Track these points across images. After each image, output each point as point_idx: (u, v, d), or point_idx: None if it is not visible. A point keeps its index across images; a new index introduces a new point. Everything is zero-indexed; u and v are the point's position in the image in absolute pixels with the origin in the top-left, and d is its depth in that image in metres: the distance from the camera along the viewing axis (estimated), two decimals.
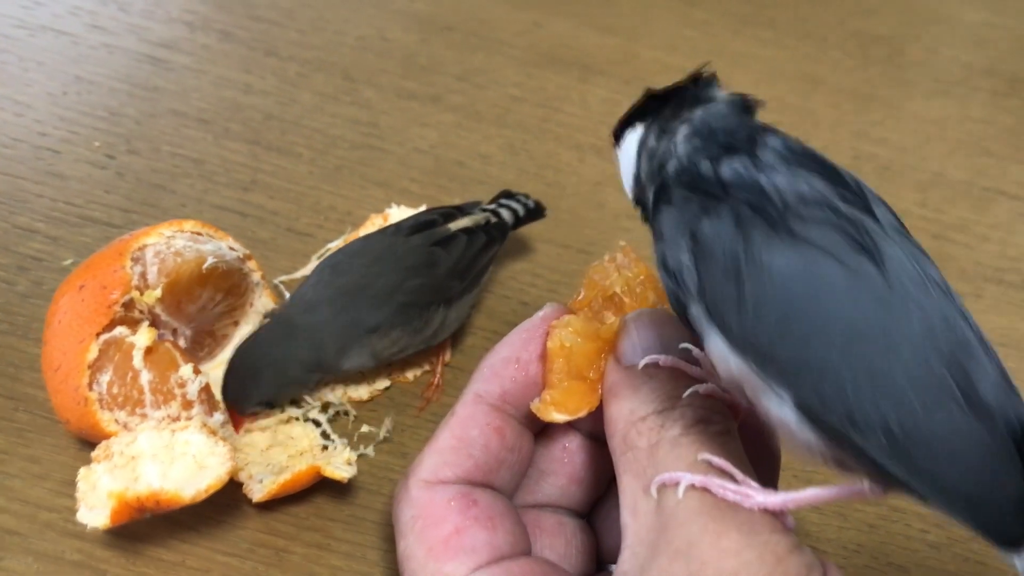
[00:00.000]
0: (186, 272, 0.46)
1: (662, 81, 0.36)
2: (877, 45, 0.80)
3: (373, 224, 0.56)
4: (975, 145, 0.73)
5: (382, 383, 0.52)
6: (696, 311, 0.33)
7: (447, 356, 0.53)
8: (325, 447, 0.48)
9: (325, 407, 0.50)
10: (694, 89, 0.35)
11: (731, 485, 0.33)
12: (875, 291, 0.30)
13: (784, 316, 0.30)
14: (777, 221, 0.31)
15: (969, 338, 0.31)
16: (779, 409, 0.31)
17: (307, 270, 0.56)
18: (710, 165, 0.33)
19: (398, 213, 0.56)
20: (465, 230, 0.51)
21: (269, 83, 0.66)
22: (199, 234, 0.47)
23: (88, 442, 0.45)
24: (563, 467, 0.42)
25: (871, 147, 0.71)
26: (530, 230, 0.59)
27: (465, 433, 0.39)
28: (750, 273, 0.31)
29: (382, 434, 0.50)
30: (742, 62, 0.75)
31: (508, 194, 0.57)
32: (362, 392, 0.51)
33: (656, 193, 0.34)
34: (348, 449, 0.46)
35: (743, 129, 0.34)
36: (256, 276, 0.50)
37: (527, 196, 0.57)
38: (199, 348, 0.49)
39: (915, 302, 0.30)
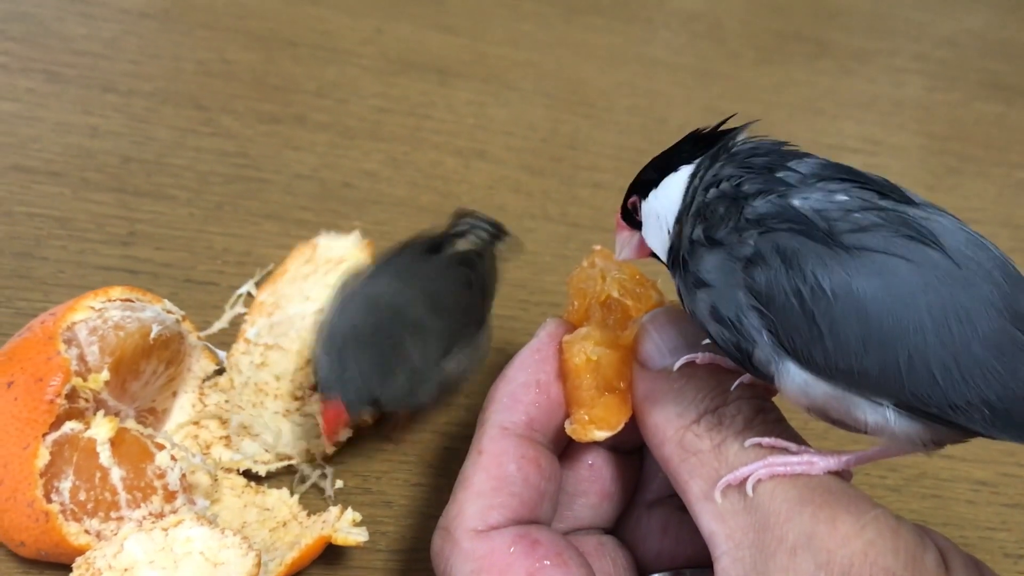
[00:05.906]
0: (131, 347, 0.40)
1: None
2: (697, 21, 0.83)
3: (301, 254, 0.51)
4: (807, 107, 0.78)
5: (345, 431, 0.47)
6: (763, 354, 0.32)
7: None
8: (309, 513, 0.43)
9: (291, 469, 0.45)
10: (728, 135, 0.35)
11: (790, 458, 0.33)
12: (948, 274, 0.30)
13: (865, 330, 0.30)
14: (828, 240, 0.30)
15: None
16: (875, 415, 0.31)
17: (223, 323, 0.50)
18: (753, 201, 0.32)
19: (327, 242, 0.51)
20: (476, 252, 0.47)
21: (116, 123, 0.58)
22: (130, 300, 0.41)
23: (52, 564, 0.38)
24: (592, 486, 0.41)
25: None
26: None
27: (502, 471, 0.37)
28: (816, 303, 0.30)
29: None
30: (583, 50, 0.76)
31: (464, 213, 0.51)
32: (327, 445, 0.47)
33: (698, 234, 0.33)
34: (350, 509, 0.41)
35: (771, 157, 0.34)
36: (193, 338, 0.45)
37: (480, 216, 0.51)
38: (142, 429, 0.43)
39: (978, 265, 0.30)
